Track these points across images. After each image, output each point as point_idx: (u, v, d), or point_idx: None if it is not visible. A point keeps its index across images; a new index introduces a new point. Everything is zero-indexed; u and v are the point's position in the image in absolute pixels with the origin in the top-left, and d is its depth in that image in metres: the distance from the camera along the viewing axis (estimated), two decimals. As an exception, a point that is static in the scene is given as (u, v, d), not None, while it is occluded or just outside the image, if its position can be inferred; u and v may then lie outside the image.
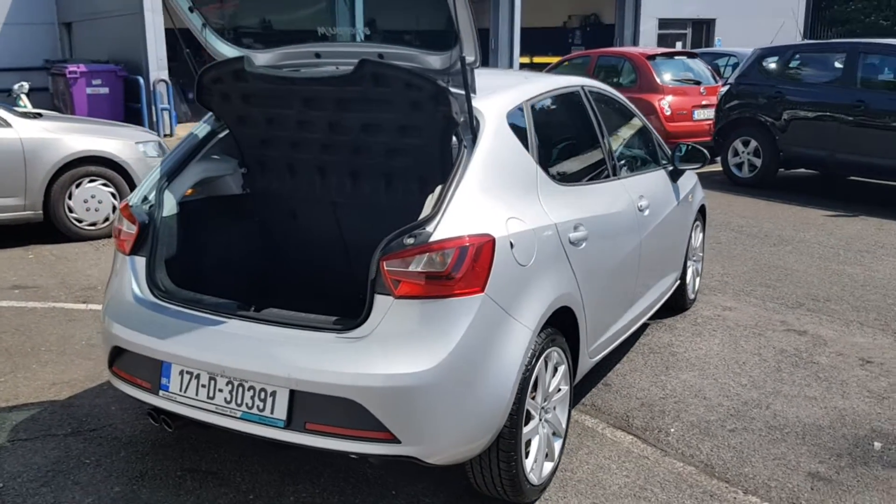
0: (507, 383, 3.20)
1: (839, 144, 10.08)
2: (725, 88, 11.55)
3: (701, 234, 6.28)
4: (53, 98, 16.88)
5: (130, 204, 3.71)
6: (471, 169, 3.27)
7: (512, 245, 3.23)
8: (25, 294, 6.37)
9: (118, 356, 3.58)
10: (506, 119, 3.56)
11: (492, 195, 3.31)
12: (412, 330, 3.02)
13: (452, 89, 3.30)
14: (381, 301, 3.06)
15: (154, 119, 15.96)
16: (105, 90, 15.89)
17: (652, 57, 13.01)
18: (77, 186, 7.90)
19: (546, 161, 3.84)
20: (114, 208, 8.07)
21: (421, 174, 3.69)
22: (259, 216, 4.30)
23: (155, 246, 3.58)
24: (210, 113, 4.02)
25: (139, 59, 16.28)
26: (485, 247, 3.10)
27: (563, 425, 3.79)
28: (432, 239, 3.04)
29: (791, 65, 10.91)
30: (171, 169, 3.80)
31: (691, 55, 13.89)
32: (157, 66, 16.19)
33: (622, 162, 4.69)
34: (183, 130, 14.78)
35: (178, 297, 3.48)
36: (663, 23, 24.33)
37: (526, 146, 3.63)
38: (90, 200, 7.97)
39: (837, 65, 10.43)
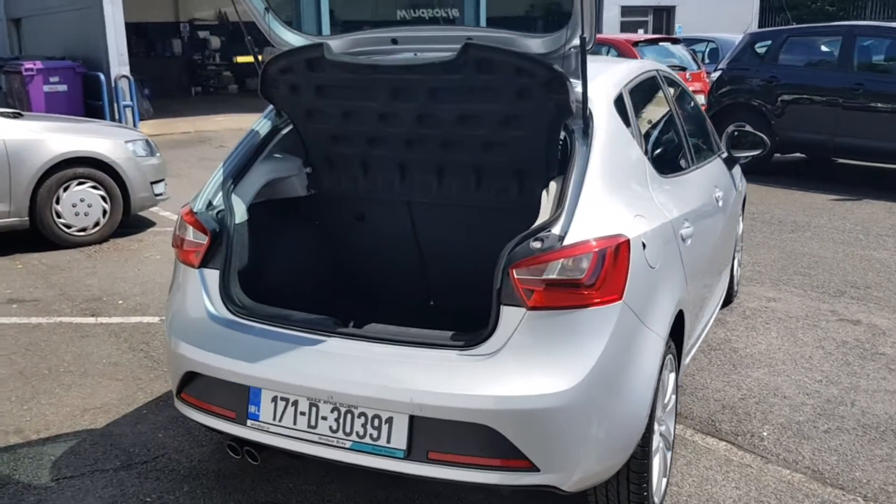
0: (646, 398, 2.90)
1: (839, 128, 10.01)
2: (717, 74, 11.40)
3: (742, 223, 6.06)
4: (7, 97, 16.03)
5: (195, 210, 3.30)
6: (592, 162, 2.95)
7: (644, 246, 2.92)
8: (25, 308, 5.86)
9: (189, 381, 3.18)
10: (613, 106, 3.25)
11: (614, 191, 3.00)
12: (548, 345, 2.70)
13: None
14: (510, 313, 2.73)
15: (116, 117, 15.25)
16: (63, 87, 15.13)
17: (636, 43, 12.83)
18: (65, 190, 7.36)
19: (647, 151, 3.54)
20: (104, 212, 7.54)
21: (519, 169, 3.36)
22: (326, 220, 3.93)
23: (229, 257, 3.18)
24: (271, 107, 3.63)
25: (98, 55, 15.54)
26: (621, 249, 2.79)
27: (672, 437, 3.51)
28: (565, 243, 2.72)
29: (785, 48, 10.80)
30: (236, 170, 3.40)
31: (674, 41, 13.76)
32: (118, 61, 15.47)
33: (694, 150, 4.42)
34: (146, 128, 14.13)
35: (260, 313, 3.10)
36: (626, 10, 24.26)
37: (632, 135, 3.33)
38: (79, 205, 7.44)
39: (833, 48, 10.35)
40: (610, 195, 2.96)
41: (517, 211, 3.44)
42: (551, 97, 2.99)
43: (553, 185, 3.02)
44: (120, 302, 5.98)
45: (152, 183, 7.81)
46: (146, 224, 8.29)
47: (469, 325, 3.75)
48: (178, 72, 21.60)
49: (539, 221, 2.86)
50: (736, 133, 5.04)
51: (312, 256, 3.90)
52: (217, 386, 3.06)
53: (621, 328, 2.77)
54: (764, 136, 5.05)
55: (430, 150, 3.42)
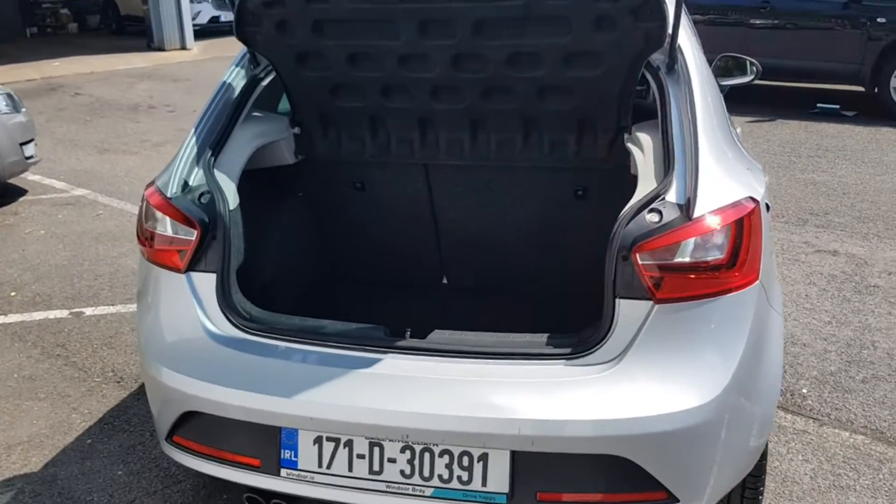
0: (776, 392, 2.42)
1: (749, 47, 9.83)
2: None
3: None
4: None
5: (170, 196, 2.48)
6: (698, 108, 2.39)
7: (768, 208, 2.39)
8: None
9: (186, 422, 2.42)
10: (695, 38, 2.67)
11: (724, 142, 2.45)
12: (682, 346, 2.14)
13: None
14: (631, 309, 2.15)
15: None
16: None
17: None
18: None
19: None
20: (-35, 183, 6.30)
21: (582, 119, 2.73)
22: (317, 191, 3.17)
23: (227, 256, 2.41)
24: (243, 52, 2.81)
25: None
26: (754, 216, 2.24)
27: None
28: (696, 214, 2.14)
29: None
30: (214, 138, 2.59)
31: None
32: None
33: None
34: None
35: (279, 326, 2.38)
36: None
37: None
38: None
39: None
40: (723, 148, 2.41)
41: (573, 171, 2.84)
42: (639, 25, 2.36)
43: (646, 138, 2.43)
44: (12, 294, 4.95)
45: (21, 144, 6.59)
46: (16, 192, 7.06)
47: (495, 308, 3.19)
48: (9, 11, 19.19)
49: (644, 188, 2.27)
50: (725, 61, 4.58)
51: (306, 240, 3.16)
52: (230, 427, 2.33)
53: (759, 315, 2.25)
54: (755, 62, 4.60)
55: (466, 100, 2.72)
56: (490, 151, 2.86)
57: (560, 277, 3.18)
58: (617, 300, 2.16)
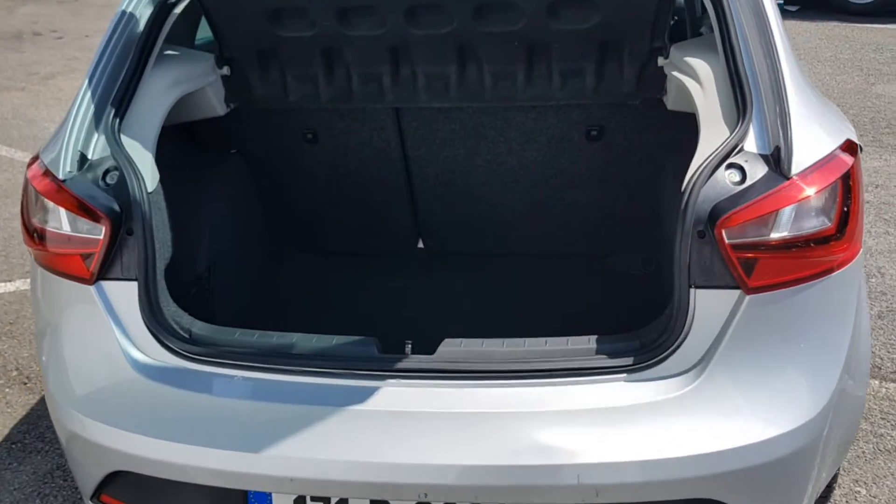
0: (866, 386, 1.96)
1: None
2: None
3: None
4: None
5: (63, 177, 1.79)
6: (773, 28, 1.82)
7: (860, 148, 1.86)
8: None
9: (115, 480, 1.81)
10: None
11: (801, 72, 1.89)
12: (783, 347, 1.64)
13: None
14: (713, 302, 1.62)
15: None
16: None
17: None
18: None
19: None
20: None
21: (605, 41, 2.11)
22: (256, 147, 2.50)
23: (151, 256, 1.77)
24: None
25: None
26: (858, 167, 1.72)
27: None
28: (794, 171, 1.60)
29: None
30: (117, 92, 1.89)
31: None
32: None
33: None
34: None
35: (230, 347, 1.78)
36: None
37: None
38: None
39: None
40: (804, 80, 1.85)
41: (585, 106, 2.25)
42: None
43: (699, 64, 1.85)
44: None
45: None
46: None
47: (485, 277, 2.64)
48: None
49: (710, 134, 1.71)
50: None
51: (246, 211, 2.51)
52: (176, 489, 1.73)
53: (859, 296, 1.77)
54: None
55: (453, 21, 2.07)
56: (484, 89, 2.23)
57: (564, 236, 2.64)
58: (693, 290, 1.61)
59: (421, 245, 2.78)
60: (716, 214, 1.59)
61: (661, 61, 2.10)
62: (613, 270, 2.65)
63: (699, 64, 1.87)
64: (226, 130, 2.44)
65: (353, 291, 2.57)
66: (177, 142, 2.31)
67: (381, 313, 2.41)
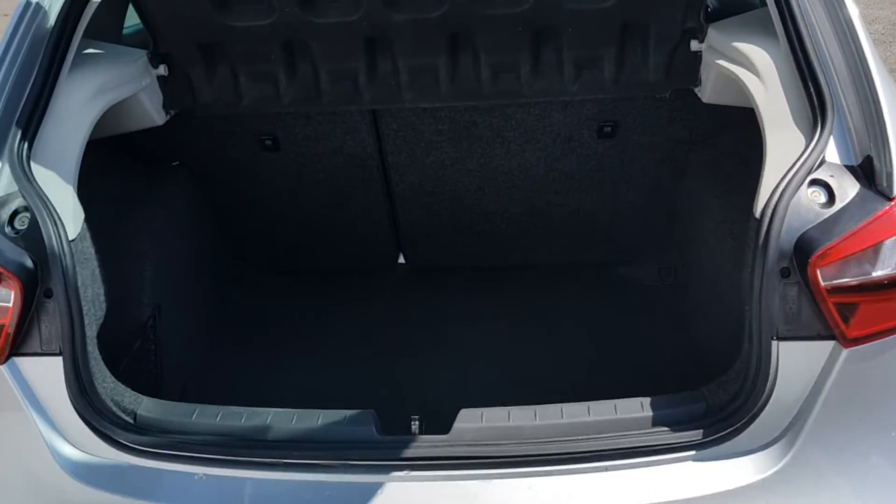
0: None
1: None
2: None
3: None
4: None
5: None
6: (849, 3, 1.49)
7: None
8: None
9: None
10: None
11: (880, 61, 1.55)
12: (892, 411, 1.32)
13: None
14: (802, 357, 1.29)
15: None
16: None
17: None
18: None
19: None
20: None
21: (627, 22, 1.74)
22: (202, 159, 2.09)
23: (78, 320, 1.38)
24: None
25: None
26: None
27: None
28: (896, 189, 1.28)
29: None
30: (26, 106, 1.48)
31: None
32: None
33: None
34: None
35: (189, 432, 1.43)
36: None
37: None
38: None
39: None
40: (884, 68, 1.51)
41: (604, 101, 1.89)
42: None
43: (752, 50, 1.51)
44: None
45: None
46: None
47: (473, 295, 2.29)
48: None
49: (779, 139, 1.38)
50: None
51: (195, 234, 2.10)
52: None
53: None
54: None
55: (443, 3, 1.67)
56: (481, 84, 1.84)
57: (567, 246, 2.30)
58: (776, 343, 1.27)
59: (402, 260, 2.40)
60: (805, 248, 1.25)
61: (694, 45, 1.74)
62: (626, 281, 2.31)
63: (753, 50, 1.52)
64: (168, 138, 2.02)
65: (329, 322, 2.19)
66: (105, 155, 1.89)
67: (363, 353, 2.04)
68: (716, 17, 1.73)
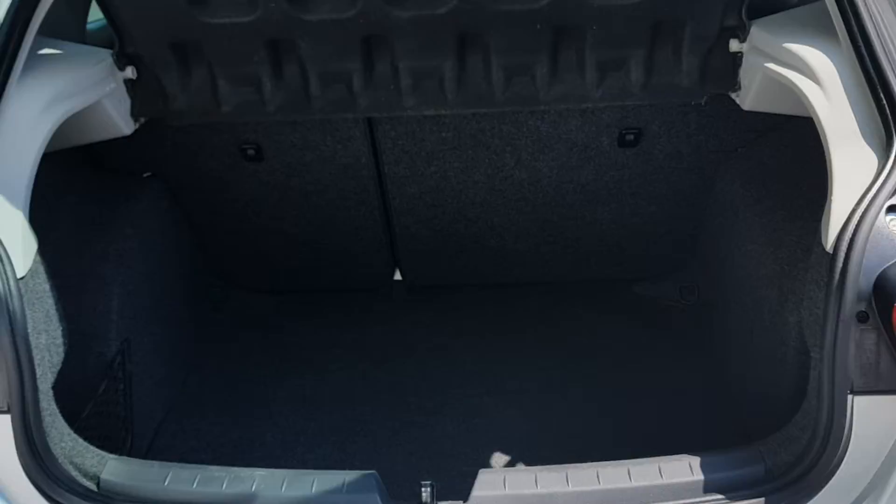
0: None
1: None
2: None
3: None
4: None
5: None
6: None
7: None
8: None
9: None
10: None
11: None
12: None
13: None
14: (880, 413, 1.12)
15: None
16: None
17: None
18: None
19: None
20: None
21: (659, 19, 1.54)
22: (188, 170, 1.88)
23: (28, 372, 1.18)
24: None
25: None
26: None
27: None
28: None
29: None
30: None
31: None
32: None
33: None
34: None
35: (162, 499, 1.21)
36: None
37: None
38: None
39: None
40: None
41: (628, 106, 1.69)
42: None
43: (815, 54, 1.32)
44: None
45: None
46: None
47: (479, 316, 2.11)
48: None
49: (845, 156, 1.20)
50: None
51: (172, 252, 1.89)
52: None
53: None
54: None
55: (450, 0, 1.47)
56: (493, 89, 1.63)
57: (580, 262, 2.10)
58: (851, 398, 1.09)
59: (398, 277, 2.20)
60: (887, 289, 1.06)
61: (734, 45, 1.55)
62: (643, 299, 2.13)
63: (809, 52, 1.32)
64: (137, 148, 1.81)
65: (320, 352, 1.99)
66: (65, 169, 1.67)
67: (360, 393, 1.84)
68: (758, 13, 1.54)
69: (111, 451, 1.39)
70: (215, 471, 1.25)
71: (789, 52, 1.37)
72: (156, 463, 1.31)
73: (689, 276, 2.09)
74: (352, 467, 1.36)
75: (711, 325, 1.94)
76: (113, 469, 1.26)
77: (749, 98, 1.55)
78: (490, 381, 1.88)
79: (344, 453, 1.68)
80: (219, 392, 1.87)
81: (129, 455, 1.58)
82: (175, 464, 1.28)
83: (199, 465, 1.27)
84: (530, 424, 1.73)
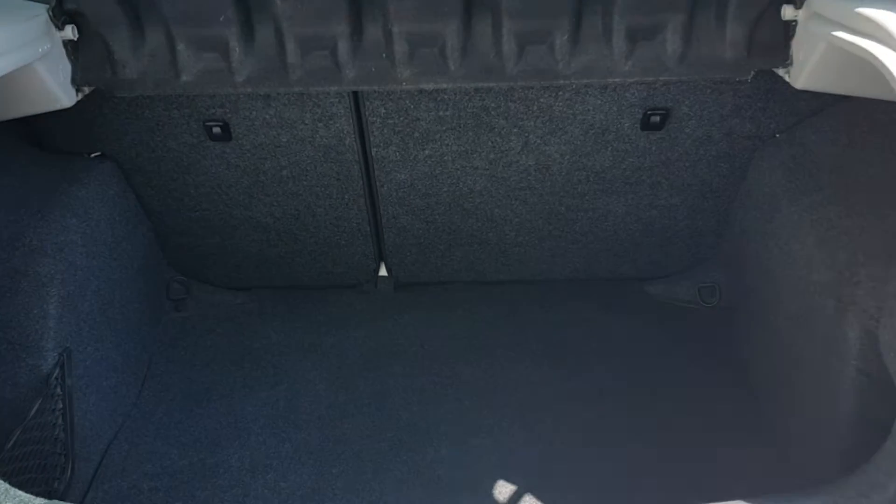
0: None
1: None
2: None
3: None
4: None
5: None
6: None
7: None
8: None
9: None
10: None
11: None
12: None
13: None
14: None
15: None
16: None
17: None
18: None
19: None
20: None
21: None
22: (141, 150, 1.63)
23: None
24: None
25: None
26: None
27: None
28: None
29: None
30: None
31: None
32: None
33: None
34: None
35: None
36: None
37: None
38: None
39: None
40: None
41: (656, 83, 1.47)
42: None
43: (885, 16, 1.09)
44: None
45: None
46: None
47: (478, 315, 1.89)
48: None
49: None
50: None
51: (122, 243, 1.64)
52: None
53: None
54: None
55: None
56: (503, 60, 1.40)
57: (588, 259, 1.88)
58: None
59: (384, 272, 1.96)
60: None
61: (788, 12, 1.32)
62: (658, 301, 1.91)
63: (892, 18, 1.10)
64: (83, 124, 1.55)
65: (294, 358, 1.75)
66: (11, 152, 1.42)
67: (337, 413, 1.62)
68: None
69: (46, 485, 1.16)
70: None
71: (863, 17, 1.15)
72: None
73: (709, 275, 1.88)
74: (332, 498, 1.13)
75: (737, 331, 1.74)
76: None
77: (804, 75, 1.33)
78: (489, 393, 1.66)
79: (323, 480, 1.46)
80: (178, 407, 1.63)
81: (70, 486, 1.34)
82: None
83: None
84: (537, 447, 1.52)
